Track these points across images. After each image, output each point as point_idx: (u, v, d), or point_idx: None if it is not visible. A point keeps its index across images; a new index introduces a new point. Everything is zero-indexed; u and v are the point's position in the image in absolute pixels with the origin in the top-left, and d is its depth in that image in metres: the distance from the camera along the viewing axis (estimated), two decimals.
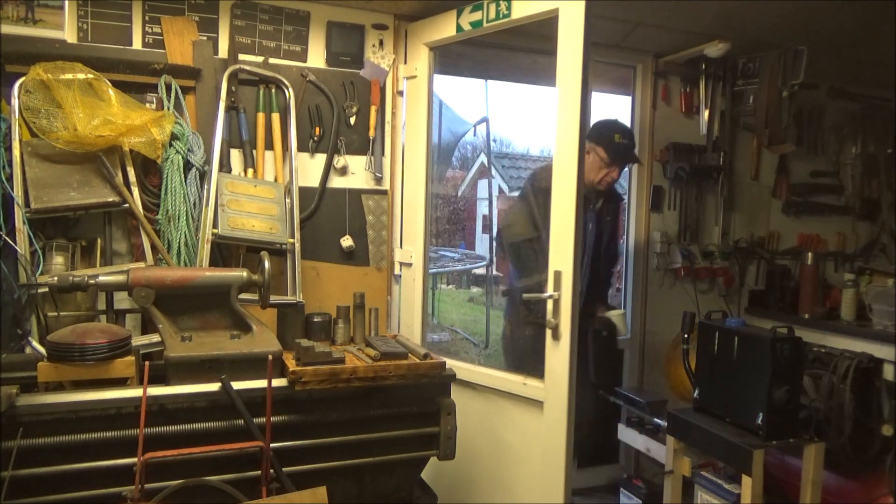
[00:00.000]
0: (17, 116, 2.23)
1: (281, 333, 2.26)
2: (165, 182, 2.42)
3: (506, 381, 2.53)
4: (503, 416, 2.57)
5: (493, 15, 2.56)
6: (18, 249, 2.18)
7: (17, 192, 2.21)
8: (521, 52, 3.17)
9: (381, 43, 2.85)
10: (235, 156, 2.65)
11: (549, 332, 2.32)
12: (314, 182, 2.78)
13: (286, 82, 2.66)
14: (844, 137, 3.93)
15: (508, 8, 2.50)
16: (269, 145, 2.68)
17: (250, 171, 2.65)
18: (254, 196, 2.56)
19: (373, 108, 2.83)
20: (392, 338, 2.39)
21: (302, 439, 1.96)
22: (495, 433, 2.60)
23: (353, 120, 2.81)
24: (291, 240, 2.60)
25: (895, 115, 3.84)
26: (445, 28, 2.74)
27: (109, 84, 2.35)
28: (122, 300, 2.29)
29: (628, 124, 3.45)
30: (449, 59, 3.10)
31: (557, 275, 2.29)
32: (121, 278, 1.98)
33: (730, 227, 3.68)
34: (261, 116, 2.67)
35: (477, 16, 2.62)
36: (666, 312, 3.49)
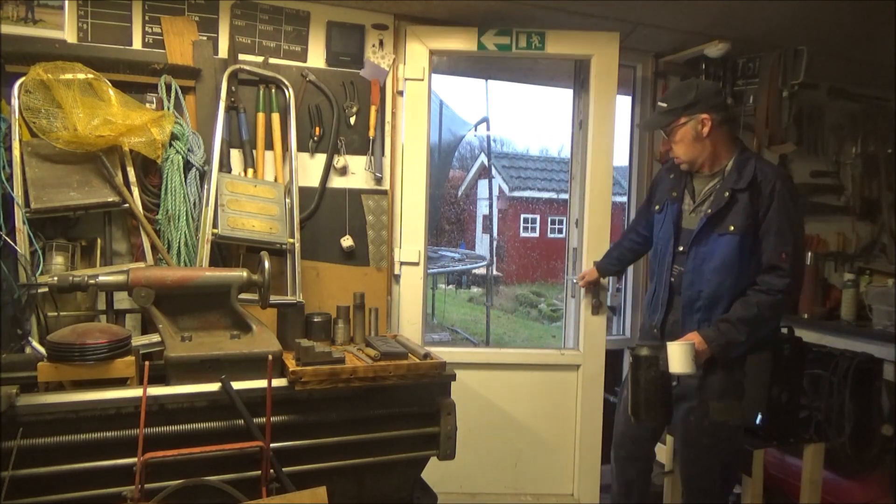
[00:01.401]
0: (17, 116, 2.23)
1: (281, 333, 2.26)
2: (165, 182, 2.42)
3: (544, 355, 3.06)
4: (541, 383, 3.05)
5: (523, 44, 2.88)
6: (18, 249, 2.18)
7: (17, 192, 2.21)
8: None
9: (381, 43, 2.85)
10: (235, 156, 2.65)
11: (587, 308, 2.97)
12: (314, 182, 2.78)
13: (286, 82, 2.66)
14: (844, 137, 3.92)
15: (541, 42, 2.88)
16: (269, 145, 2.68)
17: (250, 171, 2.65)
18: (254, 196, 2.56)
19: (373, 108, 2.83)
20: (392, 338, 2.40)
21: (302, 439, 1.96)
22: (536, 399, 3.06)
23: (353, 120, 2.81)
24: (291, 240, 2.60)
25: (895, 115, 3.84)
26: (463, 42, 2.88)
27: (109, 84, 2.35)
28: (122, 300, 2.29)
29: (629, 124, 3.45)
30: (449, 59, 3.10)
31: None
32: (121, 278, 1.98)
33: None
34: (261, 116, 2.66)
35: (504, 40, 2.87)
36: None
